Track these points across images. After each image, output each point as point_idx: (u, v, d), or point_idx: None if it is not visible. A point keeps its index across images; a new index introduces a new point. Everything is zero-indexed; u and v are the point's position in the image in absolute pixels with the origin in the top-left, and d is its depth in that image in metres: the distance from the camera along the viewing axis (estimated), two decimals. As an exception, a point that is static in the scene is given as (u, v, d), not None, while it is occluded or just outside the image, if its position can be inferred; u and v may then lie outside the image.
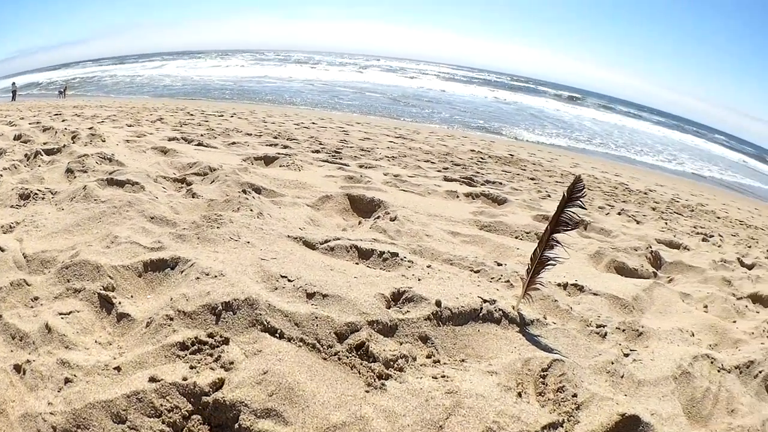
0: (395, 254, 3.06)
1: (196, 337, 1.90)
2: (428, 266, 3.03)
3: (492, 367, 2.10)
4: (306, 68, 31.39)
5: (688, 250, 5.71)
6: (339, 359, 1.94)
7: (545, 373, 2.10)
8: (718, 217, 9.37)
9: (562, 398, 1.97)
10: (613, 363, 2.29)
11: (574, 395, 1.97)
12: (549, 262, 2.62)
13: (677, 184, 12.87)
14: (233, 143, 7.14)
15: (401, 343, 2.18)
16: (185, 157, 5.42)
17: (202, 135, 7.42)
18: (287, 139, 8.08)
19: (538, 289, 2.67)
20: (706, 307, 3.58)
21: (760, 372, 2.51)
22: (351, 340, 2.02)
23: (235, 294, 2.08)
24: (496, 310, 2.51)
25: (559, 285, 3.25)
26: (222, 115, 10.09)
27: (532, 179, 8.60)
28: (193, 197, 3.83)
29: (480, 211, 5.20)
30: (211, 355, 1.84)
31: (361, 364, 1.93)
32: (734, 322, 3.32)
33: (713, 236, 7.07)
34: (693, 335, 2.98)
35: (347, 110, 14.14)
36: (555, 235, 2.59)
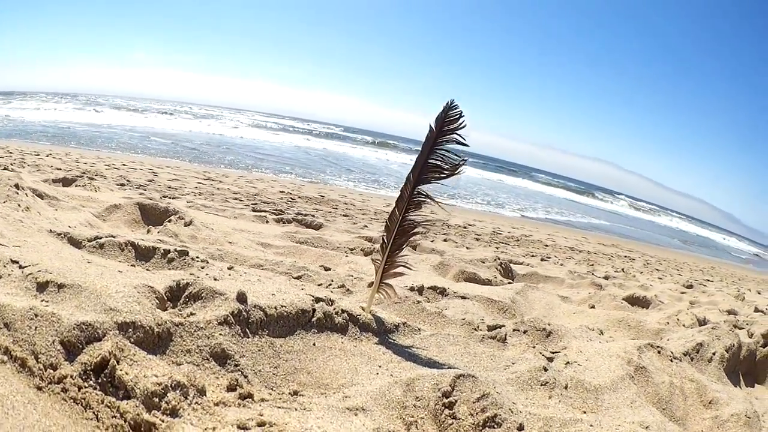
0: (184, 253, 2.20)
1: None
2: (230, 268, 2.09)
3: (352, 400, 1.18)
4: (122, 113, 30.72)
5: (533, 267, 5.44)
6: (64, 390, 1.12)
7: (451, 399, 1.22)
8: (546, 245, 9.71)
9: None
10: (546, 370, 1.49)
11: (520, 427, 1.10)
12: (415, 230, 1.80)
13: (496, 220, 13.43)
14: (39, 171, 7.03)
15: (178, 364, 1.26)
16: (-20, 177, 4.56)
17: (12, 164, 7.22)
18: (95, 175, 7.76)
19: (402, 273, 1.82)
20: (593, 306, 3.09)
21: (714, 354, 2.03)
22: (87, 355, 1.20)
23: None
24: (337, 312, 1.60)
25: (412, 289, 2.46)
26: (38, 155, 9.89)
27: (346, 216, 8.15)
28: (-34, 202, 3.40)
29: (295, 231, 4.30)
30: None
31: (102, 401, 1.12)
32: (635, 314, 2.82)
33: (550, 257, 7.08)
34: (602, 333, 2.38)
35: (158, 155, 14.40)
36: (422, 186, 1.80)
